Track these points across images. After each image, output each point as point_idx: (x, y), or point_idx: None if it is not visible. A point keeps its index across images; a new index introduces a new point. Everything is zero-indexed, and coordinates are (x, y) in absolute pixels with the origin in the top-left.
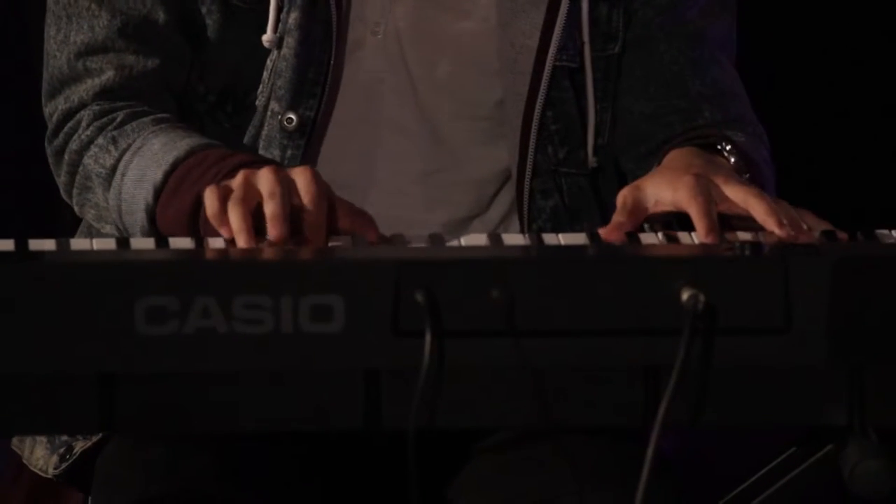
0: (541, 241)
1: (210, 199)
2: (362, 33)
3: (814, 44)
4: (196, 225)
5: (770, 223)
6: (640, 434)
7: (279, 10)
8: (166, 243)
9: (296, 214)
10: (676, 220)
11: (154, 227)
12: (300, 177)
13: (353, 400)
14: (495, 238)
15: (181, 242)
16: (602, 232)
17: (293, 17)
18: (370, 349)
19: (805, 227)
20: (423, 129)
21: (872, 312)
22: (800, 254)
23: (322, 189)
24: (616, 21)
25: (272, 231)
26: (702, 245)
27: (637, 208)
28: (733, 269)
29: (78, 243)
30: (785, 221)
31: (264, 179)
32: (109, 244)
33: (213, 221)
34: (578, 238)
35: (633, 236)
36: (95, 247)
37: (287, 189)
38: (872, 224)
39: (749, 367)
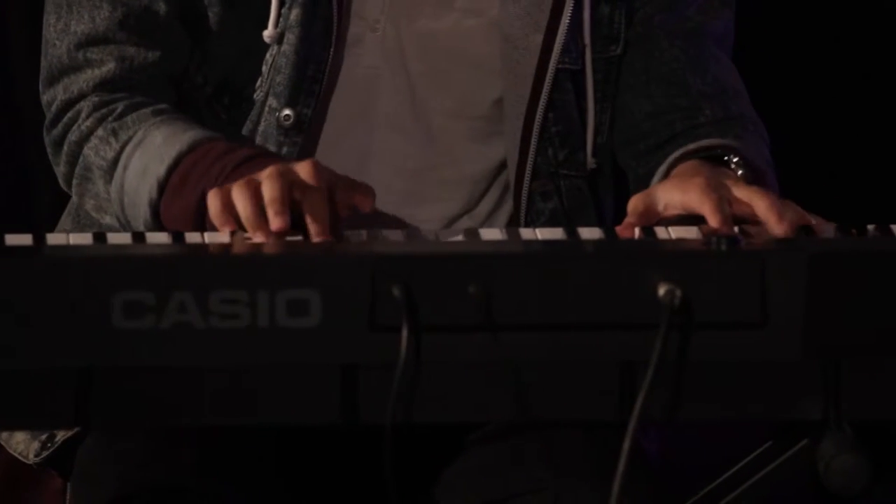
0: (518, 236)
1: (213, 200)
2: (362, 30)
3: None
4: (201, 221)
5: (770, 219)
6: (617, 428)
7: (280, 5)
8: (143, 238)
9: (298, 209)
10: (687, 224)
11: (158, 222)
12: (303, 170)
13: (330, 395)
14: (472, 233)
15: (158, 237)
16: (618, 230)
17: (294, 14)
18: (347, 344)
19: (813, 222)
20: (418, 126)
21: (848, 307)
22: (776, 248)
23: (324, 182)
24: (618, 22)
25: (273, 217)
26: (679, 240)
27: (648, 212)
28: (710, 263)
29: (55, 238)
30: (785, 217)
31: (266, 175)
32: (86, 239)
33: (216, 221)
34: (555, 233)
35: (610, 231)
36: (72, 242)
37: (288, 183)
38: (874, 220)
39: (725, 361)
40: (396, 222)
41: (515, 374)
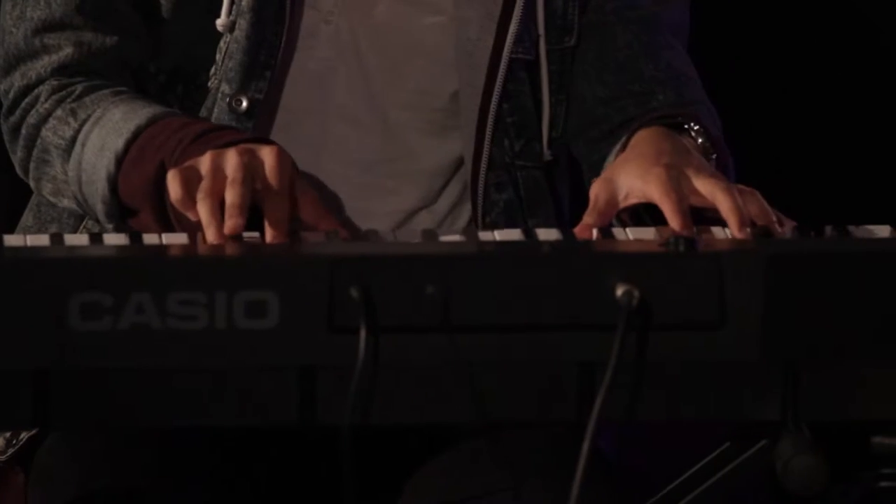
0: (476, 237)
1: (173, 183)
2: (315, 21)
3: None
4: (158, 193)
5: (732, 221)
6: (576, 429)
7: None
8: (100, 239)
9: (259, 198)
10: (646, 212)
11: (115, 197)
12: (267, 157)
13: (289, 396)
14: (430, 234)
15: (115, 238)
16: (577, 231)
17: (246, 0)
18: (305, 345)
19: (775, 218)
20: (373, 120)
21: (806, 308)
22: (734, 249)
23: (287, 178)
24: (572, 13)
25: (229, 219)
26: (636, 241)
27: (609, 204)
28: (668, 264)
29: (12, 239)
30: (746, 221)
31: (231, 164)
32: (43, 240)
33: (179, 206)
34: (513, 234)
35: (568, 231)
36: (29, 243)
37: (251, 175)
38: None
39: (683, 362)
40: (352, 215)
41: (474, 376)
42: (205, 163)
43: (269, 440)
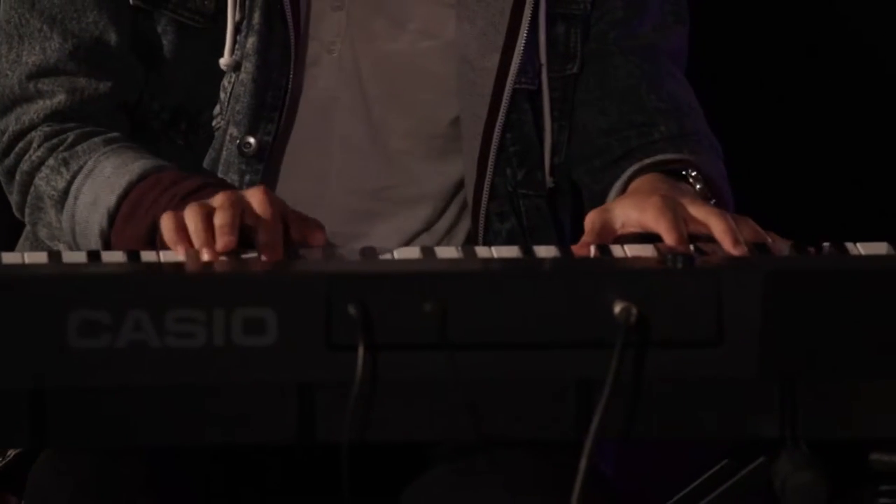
0: (474, 254)
1: (166, 224)
2: (318, 51)
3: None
4: (152, 249)
5: (726, 241)
6: (574, 447)
7: (236, 32)
8: (98, 257)
9: (250, 232)
10: (645, 242)
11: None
12: (254, 196)
13: (287, 413)
14: (428, 251)
15: (113, 256)
16: (574, 249)
17: (251, 42)
18: (303, 363)
19: (769, 240)
20: (375, 147)
21: (804, 325)
22: (732, 266)
23: (276, 208)
24: (574, 41)
25: (220, 238)
26: (635, 258)
27: (605, 230)
28: (666, 281)
29: (9, 257)
30: (741, 239)
31: (218, 198)
32: (41, 258)
33: (169, 242)
34: (511, 251)
35: (566, 250)
36: (27, 260)
37: (240, 206)
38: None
39: (682, 379)
40: (354, 241)
41: (472, 393)
42: (191, 204)
43: (264, 458)
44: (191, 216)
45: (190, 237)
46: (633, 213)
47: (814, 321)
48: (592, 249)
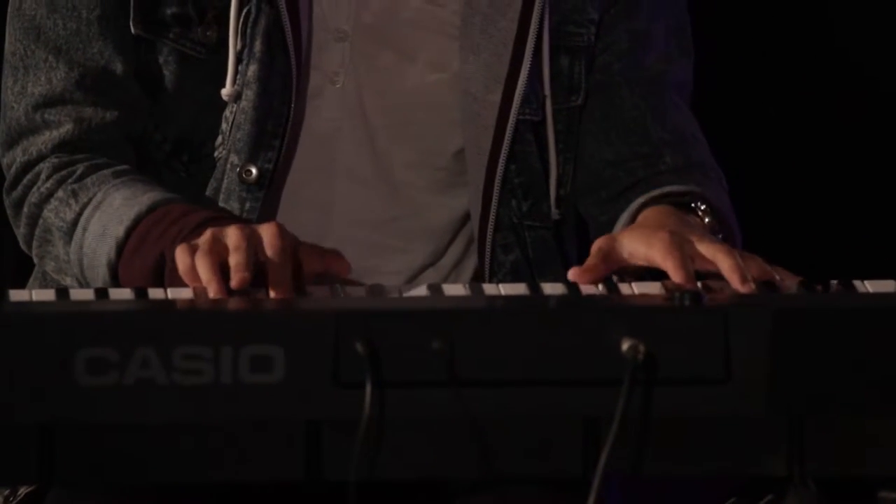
0: (481, 291)
1: (181, 256)
2: (321, 82)
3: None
4: (159, 281)
5: (734, 279)
6: (581, 484)
7: (238, 62)
8: (106, 294)
9: (263, 268)
10: (649, 275)
11: (117, 283)
12: (266, 232)
13: (294, 451)
14: (435, 289)
15: (121, 293)
16: (573, 272)
17: (252, 70)
18: (311, 400)
19: (778, 278)
20: (379, 178)
21: (811, 363)
22: (740, 304)
23: (287, 245)
24: (578, 73)
25: (234, 279)
26: (642, 295)
27: (611, 256)
28: (673, 319)
29: (17, 294)
30: (749, 277)
31: (231, 235)
32: (49, 295)
33: (186, 278)
34: (519, 289)
35: (573, 286)
36: (35, 298)
37: (253, 244)
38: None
39: (689, 417)
40: (360, 275)
41: (479, 431)
42: (205, 236)
43: (272, 495)
44: (202, 265)
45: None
46: (641, 248)
47: (821, 359)
48: (600, 286)
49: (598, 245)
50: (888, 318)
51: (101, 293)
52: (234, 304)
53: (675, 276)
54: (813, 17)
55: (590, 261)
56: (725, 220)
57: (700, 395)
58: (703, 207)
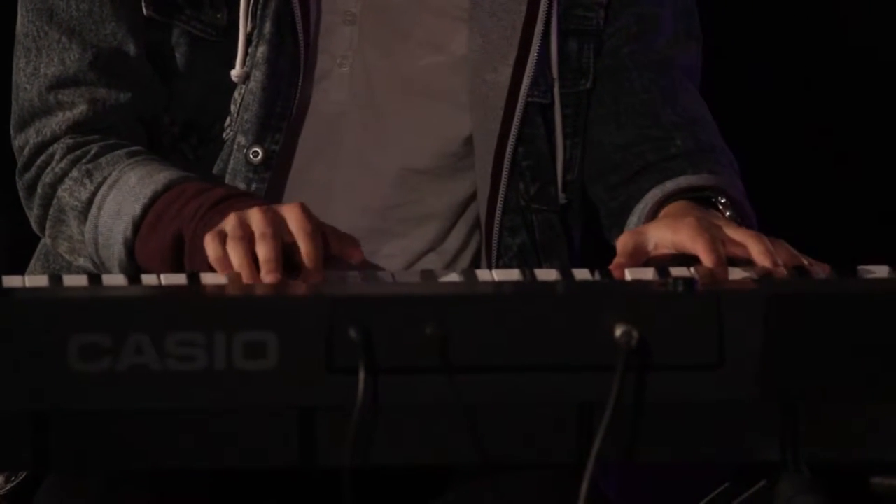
0: (475, 277)
1: (211, 245)
2: (329, 65)
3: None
4: (177, 259)
5: (766, 262)
6: (575, 470)
7: (248, 43)
8: (99, 280)
9: (290, 250)
10: (677, 265)
11: (132, 261)
12: (291, 214)
13: (288, 437)
14: (429, 274)
15: (114, 279)
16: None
17: (261, 51)
18: (304, 386)
19: (805, 262)
20: (384, 163)
21: (805, 348)
22: (733, 290)
23: (315, 224)
24: (587, 57)
25: (266, 275)
26: (635, 281)
27: (637, 251)
28: (667, 304)
29: (10, 280)
30: (779, 262)
31: (255, 220)
32: (42, 281)
33: (217, 267)
34: (512, 274)
35: (566, 273)
36: (28, 284)
37: (279, 229)
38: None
39: (683, 402)
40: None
41: (473, 417)
42: (230, 221)
43: (266, 481)
44: (235, 255)
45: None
46: (667, 234)
47: (815, 344)
48: (627, 273)
49: (622, 241)
50: (881, 303)
51: (95, 279)
52: (227, 290)
53: (707, 259)
54: (809, 5)
55: (617, 259)
56: (743, 209)
57: (694, 380)
58: (723, 201)
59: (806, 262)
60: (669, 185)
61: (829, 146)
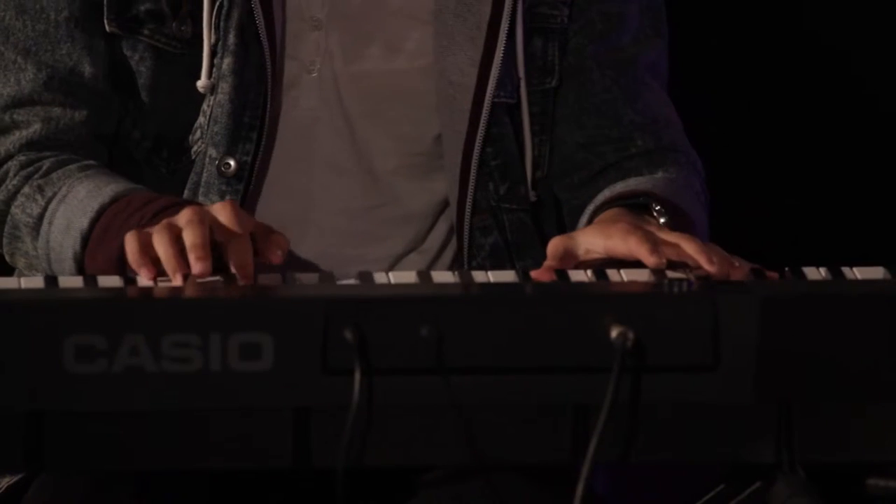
0: (470, 278)
1: (130, 243)
2: (297, 71)
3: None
4: (124, 271)
5: (701, 260)
6: (570, 471)
7: (213, 55)
8: (95, 281)
9: (220, 250)
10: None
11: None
12: (221, 211)
13: (283, 438)
14: (424, 275)
15: (109, 281)
16: (533, 275)
17: (227, 62)
18: (299, 387)
19: (736, 264)
20: (358, 166)
21: (800, 350)
22: (729, 291)
23: (244, 222)
24: (552, 54)
25: (195, 263)
26: (631, 282)
27: (567, 255)
28: (662, 306)
29: (5, 282)
30: (715, 259)
31: (184, 214)
32: (37, 282)
33: (133, 264)
34: (507, 276)
35: (562, 274)
36: (23, 285)
37: (207, 222)
38: (798, 261)
39: (678, 403)
40: (345, 263)
41: (468, 418)
42: (159, 227)
43: (259, 482)
44: (159, 240)
45: (154, 258)
46: (598, 240)
47: (810, 346)
48: (623, 274)
49: (552, 245)
50: (876, 305)
51: (90, 280)
52: (222, 291)
53: (640, 251)
54: (790, 6)
55: (546, 262)
56: (682, 216)
57: (689, 382)
58: (657, 208)
59: (736, 264)
60: (606, 192)
61: (820, 147)
